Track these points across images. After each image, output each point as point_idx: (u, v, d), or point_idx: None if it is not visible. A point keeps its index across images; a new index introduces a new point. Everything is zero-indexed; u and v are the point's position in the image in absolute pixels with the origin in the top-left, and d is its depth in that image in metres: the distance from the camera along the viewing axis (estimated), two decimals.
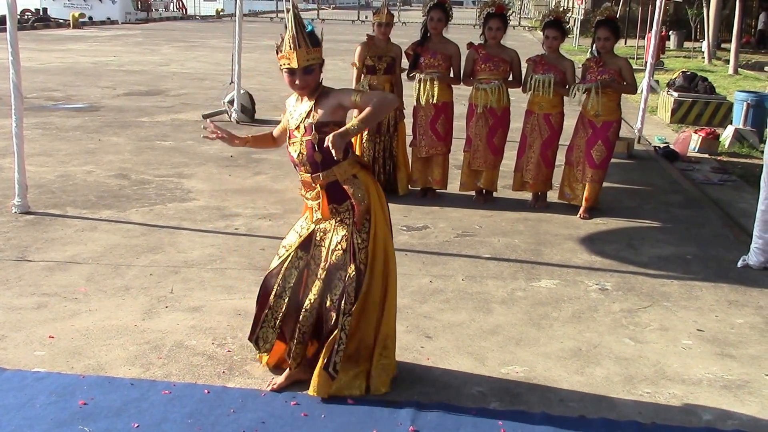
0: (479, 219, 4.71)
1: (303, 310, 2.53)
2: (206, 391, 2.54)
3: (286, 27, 2.40)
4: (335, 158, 2.30)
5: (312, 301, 2.52)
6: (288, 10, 2.38)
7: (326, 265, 2.50)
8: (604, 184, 4.95)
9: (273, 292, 2.59)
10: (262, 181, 5.50)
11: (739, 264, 4.01)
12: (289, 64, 2.39)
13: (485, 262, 3.95)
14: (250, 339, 2.70)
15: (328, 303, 2.50)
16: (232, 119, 7.70)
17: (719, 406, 2.61)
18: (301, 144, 2.47)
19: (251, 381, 2.64)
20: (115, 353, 2.80)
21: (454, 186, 5.18)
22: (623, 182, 5.77)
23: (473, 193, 5.14)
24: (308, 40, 2.39)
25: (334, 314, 2.48)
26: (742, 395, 2.69)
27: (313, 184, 2.50)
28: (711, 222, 4.88)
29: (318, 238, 2.56)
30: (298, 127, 2.48)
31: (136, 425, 2.33)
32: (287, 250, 2.59)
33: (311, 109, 2.44)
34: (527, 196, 5.09)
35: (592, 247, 4.26)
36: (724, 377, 2.81)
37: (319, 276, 2.52)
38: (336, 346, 2.48)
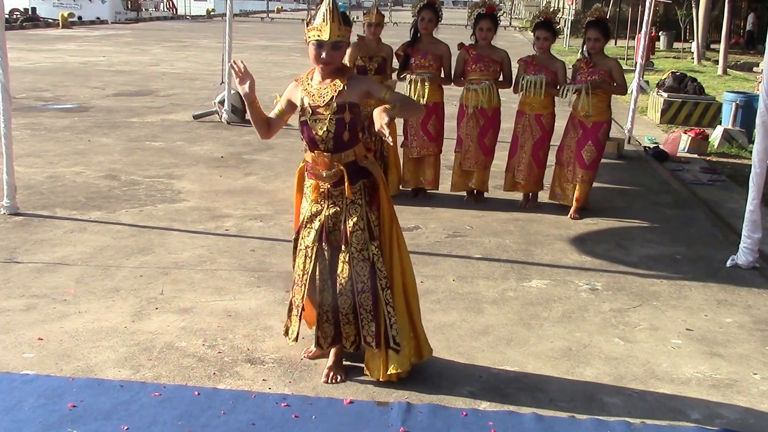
0: (470, 219, 4.72)
1: (339, 295, 2.58)
2: (197, 392, 2.53)
3: (319, 1, 2.46)
4: (387, 138, 2.36)
5: (344, 284, 2.57)
6: None
7: (350, 248, 2.54)
8: (595, 184, 4.98)
9: (318, 290, 2.61)
10: (252, 182, 5.48)
11: (728, 263, 4.05)
12: (319, 36, 2.44)
13: (476, 262, 3.96)
14: (315, 345, 2.69)
15: (359, 285, 2.56)
16: (223, 120, 7.68)
17: (708, 405, 2.63)
18: (329, 122, 2.49)
19: (242, 382, 2.63)
20: (104, 355, 2.78)
21: (445, 186, 5.19)
22: (613, 182, 5.80)
23: (464, 193, 5.15)
24: (341, 18, 2.46)
25: (369, 294, 2.56)
26: (730, 394, 2.71)
27: (334, 163, 2.52)
28: (700, 222, 4.92)
29: (331, 224, 2.59)
30: (327, 105, 2.50)
31: (125, 428, 2.32)
32: (312, 249, 2.60)
33: (344, 89, 2.49)
34: (518, 196, 5.10)
35: (583, 247, 4.29)
36: (713, 376, 2.84)
37: (342, 259, 2.56)
38: (388, 321, 2.57)
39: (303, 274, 2.63)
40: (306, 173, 2.65)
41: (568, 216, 4.82)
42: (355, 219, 2.55)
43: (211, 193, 5.12)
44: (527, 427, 2.42)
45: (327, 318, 2.63)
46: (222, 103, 7.75)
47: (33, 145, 6.32)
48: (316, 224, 2.60)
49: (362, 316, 2.59)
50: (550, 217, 4.82)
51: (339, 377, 2.66)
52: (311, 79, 2.57)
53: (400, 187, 5.19)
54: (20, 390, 2.50)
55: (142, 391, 2.52)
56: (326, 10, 2.43)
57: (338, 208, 2.57)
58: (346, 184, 2.53)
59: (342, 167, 2.53)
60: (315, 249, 2.59)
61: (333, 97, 2.50)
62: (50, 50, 14.88)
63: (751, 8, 20.72)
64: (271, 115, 2.67)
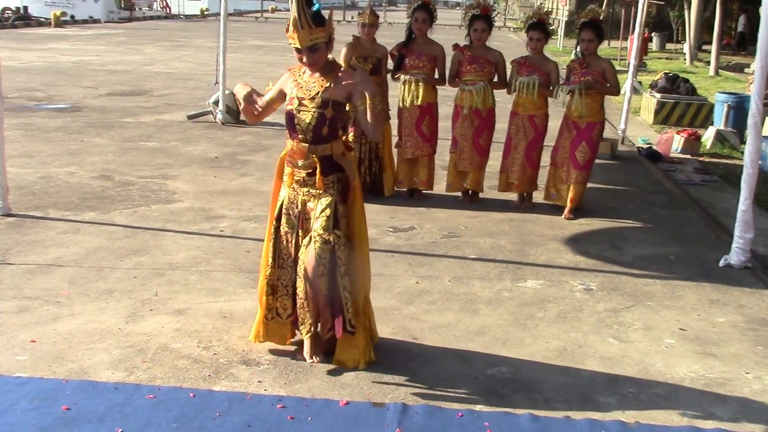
0: (465, 220, 4.72)
1: (299, 278, 2.69)
2: (191, 394, 2.52)
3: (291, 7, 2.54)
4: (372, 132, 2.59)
5: (305, 268, 2.66)
6: None
7: (313, 231, 2.64)
8: (588, 185, 5.00)
9: (299, 277, 2.70)
10: (247, 182, 5.47)
11: (721, 263, 4.07)
12: (294, 43, 2.57)
13: (471, 262, 3.97)
14: (303, 336, 2.79)
15: (320, 269, 2.62)
16: (217, 120, 7.65)
17: (701, 404, 2.64)
18: (312, 115, 2.63)
19: (237, 384, 2.62)
20: (98, 357, 2.77)
21: (440, 187, 5.20)
22: (607, 183, 5.83)
23: (459, 193, 5.16)
24: (310, 21, 2.52)
25: (325, 278, 2.63)
26: (723, 394, 2.73)
27: (310, 155, 2.65)
28: (693, 222, 4.95)
29: (305, 211, 2.71)
30: (312, 99, 2.63)
31: (120, 430, 2.30)
32: (292, 234, 2.72)
33: (330, 86, 2.63)
34: (513, 196, 5.12)
35: (577, 247, 4.30)
36: (706, 376, 2.85)
37: (305, 244, 2.67)
38: (345, 306, 2.67)
39: (287, 257, 2.75)
40: (286, 161, 2.76)
41: (563, 216, 4.83)
42: (323, 205, 2.66)
43: (206, 193, 5.11)
44: (523, 427, 2.43)
45: (286, 292, 2.78)
46: (216, 103, 7.73)
47: (25, 146, 6.28)
48: (296, 211, 2.72)
49: (320, 302, 2.69)
50: (544, 218, 4.83)
51: (317, 357, 2.77)
52: (303, 72, 2.71)
53: (395, 187, 5.19)
54: (13, 393, 2.48)
55: (136, 393, 2.50)
56: (294, 18, 2.51)
57: (312, 196, 2.70)
58: (317, 175, 2.65)
59: (316, 159, 2.65)
60: (294, 235, 2.72)
61: (319, 92, 2.64)
62: (42, 49, 14.78)
63: (742, 9, 20.85)
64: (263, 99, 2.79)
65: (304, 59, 2.60)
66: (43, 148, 6.22)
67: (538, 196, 5.12)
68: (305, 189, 2.71)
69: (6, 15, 21.95)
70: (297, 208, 2.73)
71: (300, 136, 2.66)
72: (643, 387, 2.74)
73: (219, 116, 7.65)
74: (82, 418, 2.35)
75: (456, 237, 4.39)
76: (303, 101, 2.65)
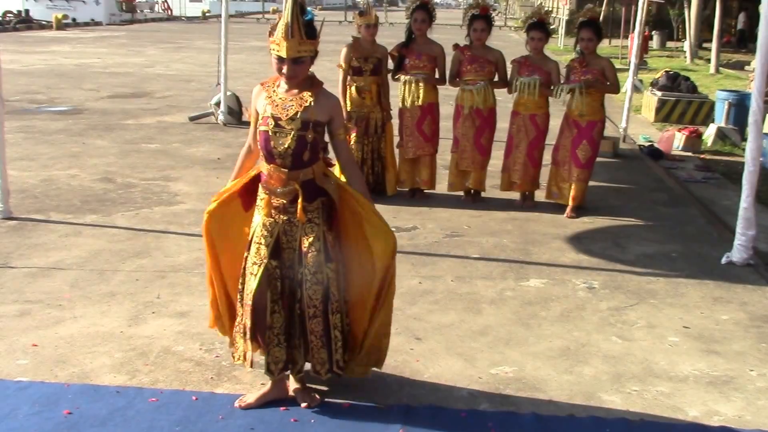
0: (468, 219, 4.72)
1: (291, 317, 2.41)
2: (194, 397, 2.52)
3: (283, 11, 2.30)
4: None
5: (296, 308, 2.41)
6: None
7: (303, 270, 2.38)
8: (590, 183, 4.99)
9: (268, 311, 2.39)
10: None
11: (723, 261, 4.06)
12: (278, 51, 2.29)
13: (474, 262, 3.96)
14: (266, 369, 2.45)
15: (311, 311, 2.39)
16: (219, 121, 7.65)
17: (705, 402, 2.63)
18: (291, 138, 2.33)
19: (240, 386, 2.62)
20: (100, 361, 2.76)
21: (442, 186, 5.19)
22: (609, 181, 5.82)
23: (461, 193, 5.15)
24: (303, 31, 2.28)
25: (320, 320, 2.41)
26: (727, 391, 2.71)
27: (290, 181, 2.36)
28: (695, 220, 4.94)
29: (285, 241, 2.41)
30: (291, 119, 2.34)
31: None
32: (260, 266, 2.38)
33: (310, 105, 2.35)
34: (515, 195, 5.11)
35: (580, 245, 4.29)
36: (710, 373, 2.84)
37: (295, 279, 2.40)
38: (334, 345, 2.43)
39: (250, 294, 2.38)
40: (261, 185, 2.44)
41: (565, 215, 4.82)
42: (311, 239, 2.37)
43: (208, 195, 5.07)
44: (527, 427, 2.42)
45: (278, 341, 2.42)
46: (218, 104, 7.73)
47: (27, 149, 6.28)
48: (270, 240, 2.38)
49: (313, 343, 2.42)
50: (547, 216, 4.82)
51: (314, 399, 2.49)
52: (278, 86, 2.41)
53: (397, 187, 5.19)
54: (15, 397, 2.48)
55: (138, 397, 2.50)
56: (285, 24, 2.25)
57: (294, 225, 2.39)
58: (299, 206, 2.35)
59: (297, 186, 2.36)
60: (263, 266, 2.37)
61: (298, 112, 2.34)
62: (44, 52, 14.81)
63: (742, 7, 20.81)
64: (249, 136, 2.51)
65: (285, 70, 2.30)
66: (44, 151, 6.22)
67: (539, 195, 5.11)
68: (284, 217, 2.39)
69: (7, 18, 22.00)
70: (271, 237, 2.39)
71: (278, 161, 2.35)
72: (647, 385, 2.73)
73: (221, 117, 7.65)
74: (84, 423, 2.35)
75: (458, 236, 4.38)
76: (279, 122, 2.33)
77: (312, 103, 2.35)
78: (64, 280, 3.51)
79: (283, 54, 2.29)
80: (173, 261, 3.82)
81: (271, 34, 2.32)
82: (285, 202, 2.40)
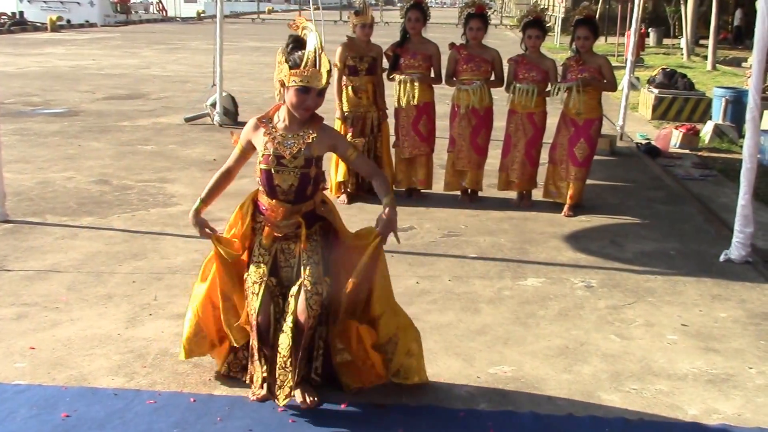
0: (465, 219, 4.71)
1: (283, 333, 2.41)
2: (192, 399, 2.51)
3: (300, 41, 2.29)
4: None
5: (290, 323, 2.40)
6: (313, 26, 2.28)
7: (303, 281, 2.40)
8: (588, 181, 4.99)
9: (272, 331, 2.43)
10: (246, 185, 5.40)
11: (721, 258, 4.06)
12: (308, 82, 2.26)
13: (471, 261, 3.95)
14: (270, 393, 2.44)
15: (311, 322, 2.40)
16: (215, 122, 7.64)
17: (705, 400, 2.63)
18: (294, 175, 2.36)
19: (238, 388, 2.61)
20: (98, 363, 2.75)
21: (439, 186, 5.18)
22: (606, 179, 5.82)
23: (458, 192, 5.14)
24: (330, 61, 2.32)
25: (311, 331, 2.42)
26: (726, 389, 2.71)
27: (293, 214, 2.40)
28: (693, 217, 4.94)
29: (282, 260, 2.47)
30: (294, 157, 2.35)
31: None
32: (260, 285, 2.42)
33: (313, 142, 2.37)
34: (512, 194, 5.10)
35: (577, 244, 4.29)
36: (709, 371, 2.84)
37: (293, 294, 2.41)
38: (316, 352, 2.48)
39: (254, 314, 2.41)
40: (261, 217, 2.47)
41: (562, 214, 4.82)
42: (310, 252, 2.42)
43: None
44: (526, 426, 2.42)
45: (284, 365, 2.42)
46: (214, 105, 7.72)
47: (22, 151, 6.26)
48: (267, 258, 2.44)
49: (301, 356, 2.40)
50: (544, 215, 4.82)
51: (312, 400, 2.45)
52: (276, 123, 2.41)
53: (394, 187, 5.18)
54: (12, 400, 2.47)
55: (136, 399, 2.49)
56: (316, 55, 2.25)
57: (292, 242, 2.45)
58: (302, 236, 2.40)
59: (300, 219, 2.41)
60: (263, 285, 2.40)
61: (301, 149, 2.36)
62: (39, 54, 14.76)
63: (738, 4, 20.86)
64: (230, 160, 2.53)
65: (308, 101, 2.29)
66: (40, 153, 6.20)
67: (537, 194, 5.10)
68: (283, 238, 2.45)
69: (2, 20, 21.94)
70: (269, 256, 2.45)
71: (281, 197, 2.39)
72: (646, 383, 2.73)
73: (216, 118, 7.64)
74: (82, 425, 2.34)
75: (456, 236, 4.37)
76: (282, 160, 2.34)
77: (314, 139, 2.37)
78: (60, 283, 3.50)
79: (316, 83, 2.27)
80: (170, 263, 3.80)
81: (292, 66, 2.27)
82: (285, 232, 2.45)
